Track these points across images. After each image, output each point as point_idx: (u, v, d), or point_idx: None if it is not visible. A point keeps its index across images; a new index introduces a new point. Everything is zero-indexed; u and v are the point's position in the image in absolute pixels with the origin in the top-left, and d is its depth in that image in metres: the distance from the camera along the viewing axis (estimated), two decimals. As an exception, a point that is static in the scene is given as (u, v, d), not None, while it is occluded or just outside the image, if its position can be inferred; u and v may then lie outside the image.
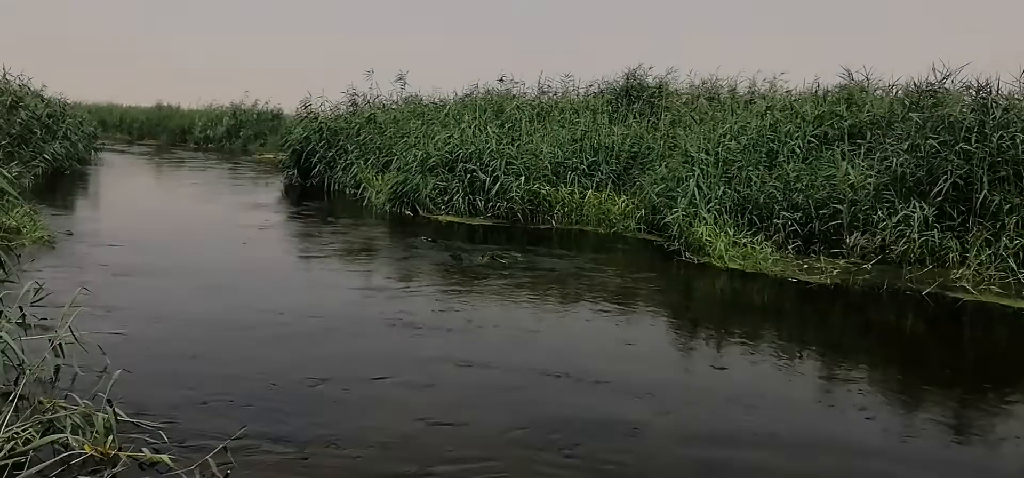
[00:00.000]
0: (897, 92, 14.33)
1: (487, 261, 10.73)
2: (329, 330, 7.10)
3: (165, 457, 4.23)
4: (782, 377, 6.58)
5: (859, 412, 5.80)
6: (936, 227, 10.45)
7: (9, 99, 18.88)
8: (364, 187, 17.43)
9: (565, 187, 14.67)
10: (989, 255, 9.98)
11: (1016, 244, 9.84)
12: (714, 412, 5.55)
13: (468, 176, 15.01)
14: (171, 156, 28.40)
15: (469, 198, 14.90)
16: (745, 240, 11.45)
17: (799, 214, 11.54)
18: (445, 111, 19.36)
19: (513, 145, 15.58)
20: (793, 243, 11.36)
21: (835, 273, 10.35)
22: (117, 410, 4.45)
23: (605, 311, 8.44)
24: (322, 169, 19.43)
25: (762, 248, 11.26)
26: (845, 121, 13.33)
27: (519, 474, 4.37)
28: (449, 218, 14.65)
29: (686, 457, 4.77)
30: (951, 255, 10.23)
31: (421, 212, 14.99)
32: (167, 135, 40.20)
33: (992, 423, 5.76)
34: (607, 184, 14.78)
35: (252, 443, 4.50)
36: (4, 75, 20.24)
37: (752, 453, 4.84)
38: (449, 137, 16.08)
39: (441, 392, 5.66)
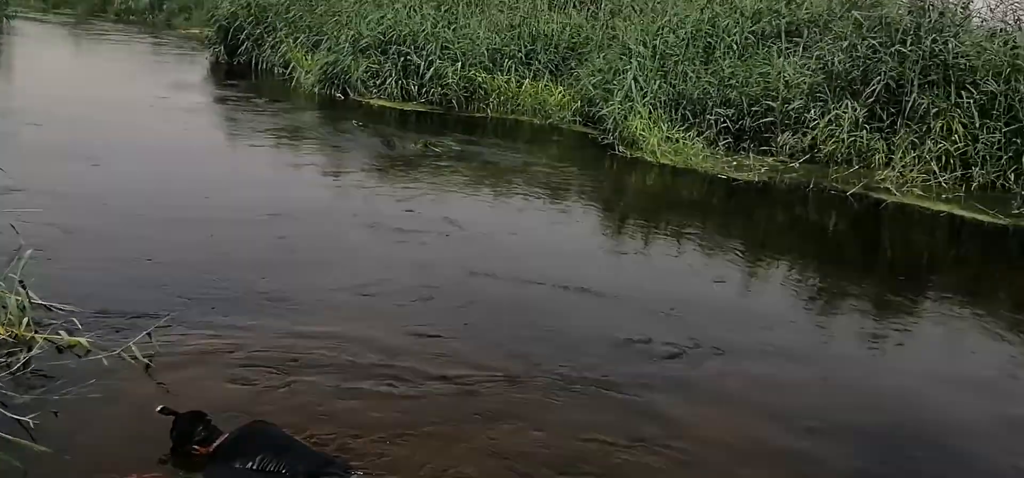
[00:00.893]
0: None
1: (421, 148, 10.58)
2: (256, 217, 6.93)
3: (83, 340, 4.11)
4: (706, 268, 6.71)
5: (778, 300, 5.99)
6: (865, 128, 10.62)
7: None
8: (293, 67, 16.88)
9: (501, 75, 14.44)
10: (913, 157, 10.21)
11: (940, 147, 10.08)
12: (639, 303, 5.63)
13: (401, 59, 14.63)
14: (90, 28, 27.10)
15: (402, 82, 14.55)
16: (678, 135, 11.49)
17: (732, 111, 11.59)
18: (379, -10, 18.73)
19: (449, 28, 15.20)
20: (724, 140, 11.45)
21: (763, 170, 10.50)
22: (30, 293, 4.28)
23: (540, 204, 8.44)
24: (250, 47, 18.69)
25: (694, 144, 11.33)
26: (783, 18, 13.31)
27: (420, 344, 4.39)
28: (381, 102, 14.33)
29: (611, 339, 4.84)
30: (877, 156, 10.44)
31: (352, 95, 14.61)
32: (85, 5, 38.22)
33: (898, 314, 6.00)
34: (544, 74, 14.58)
35: (177, 331, 4.41)
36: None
37: (672, 337, 4.95)
38: (382, 18, 15.58)
39: (359, 274, 5.62)
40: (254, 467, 3.18)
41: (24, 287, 4.26)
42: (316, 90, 15.07)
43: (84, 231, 6.07)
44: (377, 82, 14.70)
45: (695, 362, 4.77)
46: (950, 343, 5.64)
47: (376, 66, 14.75)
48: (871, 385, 4.73)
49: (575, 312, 5.41)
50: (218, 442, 3.31)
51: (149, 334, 4.20)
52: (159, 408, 3.38)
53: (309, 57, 16.60)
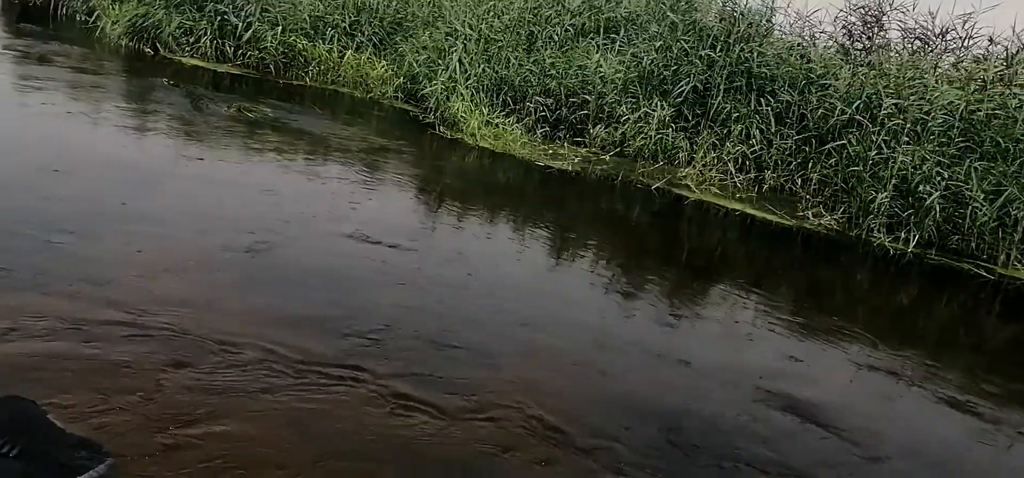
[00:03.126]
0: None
1: (234, 113, 10.15)
2: (44, 174, 6.43)
3: None
4: (515, 251, 6.82)
5: (580, 284, 6.18)
6: (672, 126, 11.14)
7: None
8: (98, 15, 15.78)
9: (323, 44, 14.09)
10: (713, 158, 10.82)
11: (738, 150, 10.73)
12: (450, 280, 5.66)
13: (219, 18, 13.98)
14: None
15: (218, 42, 13.90)
16: (498, 120, 11.62)
17: (551, 100, 11.86)
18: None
19: (271, -10, 14.66)
20: (542, 128, 11.70)
21: (577, 161, 10.80)
22: None
23: (350, 177, 8.29)
24: (50, -12, 17.33)
25: (513, 130, 11.49)
26: (602, 14, 13.72)
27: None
28: (194, 61, 13.62)
29: (414, 321, 4.84)
30: (681, 154, 10.98)
31: (162, 51, 13.82)
32: None
33: (688, 303, 6.34)
34: (368, 46, 14.35)
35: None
36: None
37: (483, 317, 5.01)
38: (200, -27, 14.83)
39: (149, 238, 5.34)
40: (-18, 443, 2.90)
41: None
42: (123, 42, 14.13)
43: None
44: (191, 40, 13.97)
45: (502, 336, 4.87)
46: (731, 331, 6.00)
47: (191, 23, 14.02)
48: (654, 366, 4.96)
49: (377, 290, 5.35)
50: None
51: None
52: None
53: (116, 7, 15.54)
